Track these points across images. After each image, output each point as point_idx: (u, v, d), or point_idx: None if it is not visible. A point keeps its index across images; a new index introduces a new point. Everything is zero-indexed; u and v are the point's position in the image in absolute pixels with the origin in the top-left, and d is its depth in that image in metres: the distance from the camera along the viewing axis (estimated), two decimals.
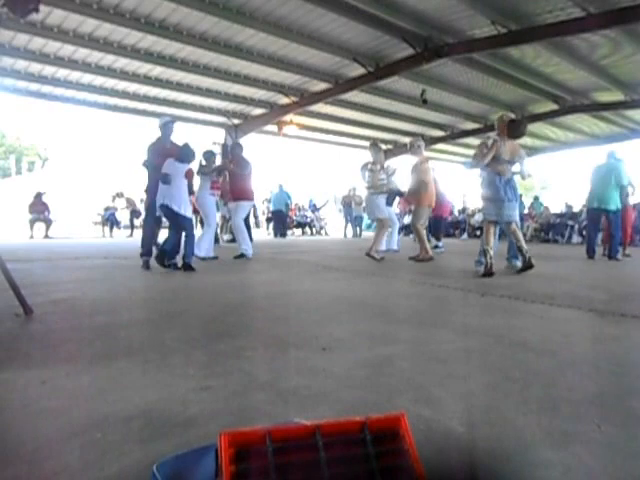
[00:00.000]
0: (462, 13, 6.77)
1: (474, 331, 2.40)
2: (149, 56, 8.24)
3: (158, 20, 7.04)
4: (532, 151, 15.76)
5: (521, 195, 6.13)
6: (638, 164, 12.93)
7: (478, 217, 13.33)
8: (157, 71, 9.06)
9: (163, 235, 5.83)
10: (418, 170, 6.59)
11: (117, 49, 7.85)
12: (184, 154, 5.15)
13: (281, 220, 14.59)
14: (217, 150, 11.47)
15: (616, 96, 10.36)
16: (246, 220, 6.97)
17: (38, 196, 13.06)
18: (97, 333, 2.29)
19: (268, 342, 2.17)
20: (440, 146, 15.08)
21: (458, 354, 2.01)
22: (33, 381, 1.61)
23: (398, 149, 14.64)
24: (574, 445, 1.19)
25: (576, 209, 13.45)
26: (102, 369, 1.76)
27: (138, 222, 14.86)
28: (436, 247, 8.28)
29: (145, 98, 10.34)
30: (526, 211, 12.75)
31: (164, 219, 5.54)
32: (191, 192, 5.46)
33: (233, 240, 7.96)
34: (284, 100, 10.69)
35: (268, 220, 16.84)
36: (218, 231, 9.02)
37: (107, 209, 14.67)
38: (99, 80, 9.27)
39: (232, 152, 6.87)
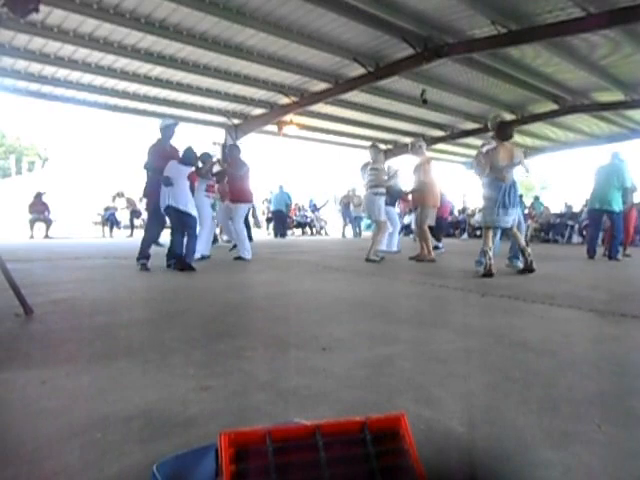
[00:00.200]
0: (462, 13, 6.77)
1: (474, 331, 2.40)
2: (149, 56, 8.24)
3: (158, 20, 7.04)
4: (532, 151, 15.77)
5: (521, 195, 6.14)
6: (638, 164, 12.93)
7: (478, 217, 13.29)
8: (157, 71, 9.06)
9: (163, 235, 5.84)
10: (421, 171, 6.59)
11: (117, 49, 7.86)
12: (187, 157, 5.21)
13: (281, 220, 14.58)
14: (217, 150, 11.50)
15: (616, 96, 10.35)
16: (245, 220, 6.95)
17: (38, 196, 13.05)
18: (97, 333, 2.29)
19: (268, 342, 2.17)
20: (440, 146, 15.06)
21: (458, 354, 2.01)
22: (33, 381, 1.61)
23: (398, 149, 14.64)
24: (574, 445, 1.19)
25: (576, 209, 13.46)
26: (102, 369, 1.76)
27: (138, 222, 14.86)
28: (436, 247, 8.27)
29: (145, 98, 10.35)
30: (526, 211, 12.74)
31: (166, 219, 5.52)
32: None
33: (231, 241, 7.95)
34: (284, 100, 10.69)
35: (268, 220, 16.84)
36: (217, 231, 9.01)
37: (107, 209, 14.64)
38: (99, 80, 9.28)
39: (229, 153, 6.88)
